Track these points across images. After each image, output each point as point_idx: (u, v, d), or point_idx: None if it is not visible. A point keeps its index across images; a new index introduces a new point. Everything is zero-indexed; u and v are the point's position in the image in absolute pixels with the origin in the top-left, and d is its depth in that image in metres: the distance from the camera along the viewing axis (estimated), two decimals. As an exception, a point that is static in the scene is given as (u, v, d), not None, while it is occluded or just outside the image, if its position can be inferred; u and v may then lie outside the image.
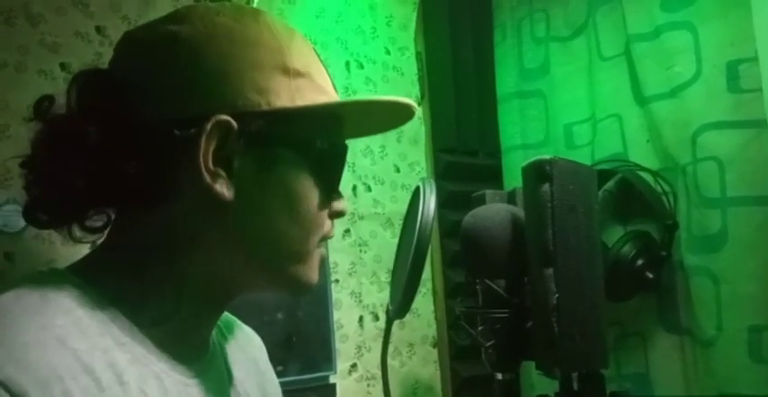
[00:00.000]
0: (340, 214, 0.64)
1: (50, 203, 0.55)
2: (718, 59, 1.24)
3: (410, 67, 1.74)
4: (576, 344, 0.82)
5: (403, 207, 1.59)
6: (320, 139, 0.58)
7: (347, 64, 1.60)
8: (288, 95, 0.56)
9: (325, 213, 0.62)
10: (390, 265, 1.58)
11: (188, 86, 0.54)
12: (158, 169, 0.53)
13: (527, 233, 0.86)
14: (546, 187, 0.82)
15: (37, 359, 0.46)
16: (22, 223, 1.10)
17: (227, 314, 0.73)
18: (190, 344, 0.60)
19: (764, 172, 1.17)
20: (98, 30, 1.22)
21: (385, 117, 0.66)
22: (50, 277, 0.53)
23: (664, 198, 1.31)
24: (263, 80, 0.55)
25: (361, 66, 1.62)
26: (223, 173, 0.54)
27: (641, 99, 1.39)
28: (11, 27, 1.12)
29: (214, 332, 0.67)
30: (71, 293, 0.51)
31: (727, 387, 1.18)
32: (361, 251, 1.57)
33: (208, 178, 0.53)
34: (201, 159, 0.53)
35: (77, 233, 0.56)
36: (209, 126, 0.52)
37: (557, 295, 0.80)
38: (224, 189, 0.54)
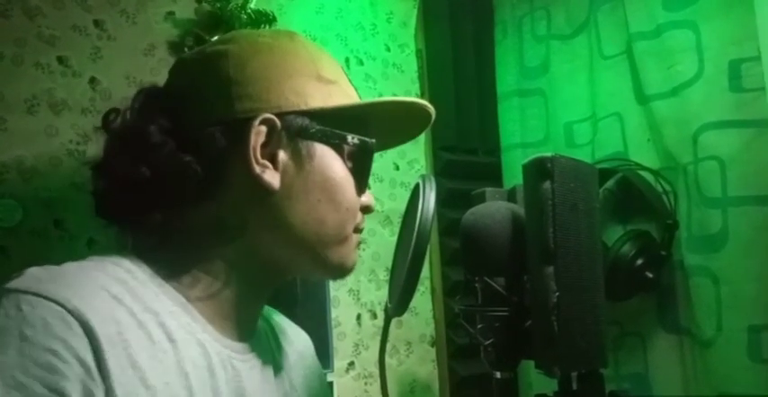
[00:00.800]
0: (368, 208, 0.73)
1: (120, 198, 0.62)
2: (720, 58, 1.24)
3: (410, 65, 1.73)
4: (576, 343, 0.81)
5: (402, 204, 1.59)
6: (350, 135, 0.67)
7: (347, 60, 1.59)
8: (321, 98, 0.65)
9: (358, 204, 0.70)
10: (388, 263, 1.58)
11: (237, 92, 0.62)
12: (213, 163, 0.61)
13: (527, 230, 0.85)
14: (547, 184, 0.81)
15: (99, 302, 0.53)
16: (18, 217, 1.09)
17: (275, 311, 0.84)
18: (234, 322, 0.66)
19: (766, 171, 1.17)
20: (96, 23, 1.21)
21: (406, 121, 0.75)
22: (110, 255, 0.60)
23: (664, 197, 1.30)
24: (301, 85, 0.64)
25: (361, 63, 1.61)
26: (270, 165, 0.63)
27: (642, 98, 1.38)
28: (7, 19, 1.11)
29: (263, 323, 0.75)
30: (127, 267, 0.59)
31: (727, 387, 1.17)
32: (359, 248, 1.56)
33: (257, 169, 0.61)
34: (252, 152, 0.61)
35: (141, 226, 0.63)
36: (256, 123, 0.61)
37: (557, 294, 0.79)
38: (272, 178, 0.62)
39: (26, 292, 0.51)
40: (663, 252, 1.27)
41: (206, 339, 0.62)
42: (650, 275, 1.26)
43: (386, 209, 1.62)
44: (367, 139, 0.68)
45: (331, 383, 1.45)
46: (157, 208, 0.63)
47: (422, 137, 1.71)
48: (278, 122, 0.62)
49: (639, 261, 1.26)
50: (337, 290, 1.50)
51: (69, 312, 0.50)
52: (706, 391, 1.22)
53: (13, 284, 0.52)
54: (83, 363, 0.49)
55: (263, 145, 0.62)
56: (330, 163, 0.66)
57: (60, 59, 1.16)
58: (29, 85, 1.12)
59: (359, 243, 0.73)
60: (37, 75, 1.13)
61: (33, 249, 1.10)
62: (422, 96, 1.73)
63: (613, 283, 1.15)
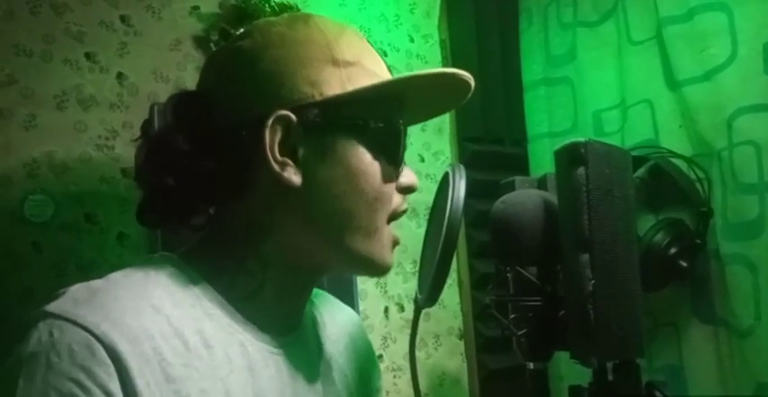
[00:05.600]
0: (409, 188, 0.69)
1: (153, 204, 0.63)
2: (754, 41, 1.20)
3: (434, 55, 1.72)
4: (613, 332, 0.80)
5: (428, 196, 1.57)
6: (373, 120, 0.64)
7: (373, 52, 1.58)
8: (339, 84, 0.62)
9: (392, 188, 0.66)
10: (415, 255, 1.57)
11: (250, 91, 0.62)
12: (235, 166, 0.61)
13: (561, 218, 0.83)
14: (581, 170, 0.79)
15: (131, 321, 0.53)
16: (50, 212, 1.10)
17: (327, 295, 0.83)
18: (276, 318, 0.66)
19: (805, 155, 1.13)
20: (122, 19, 1.22)
21: (440, 94, 0.70)
22: (156, 260, 0.61)
23: (697, 184, 1.27)
24: (314, 74, 0.61)
25: (385, 54, 1.60)
26: (290, 162, 0.61)
27: (673, 83, 1.35)
28: (36, 16, 1.12)
29: (311, 310, 0.75)
30: (170, 272, 0.60)
31: (766, 378, 1.14)
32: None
33: (277, 167, 0.60)
34: (269, 151, 0.60)
35: (183, 230, 0.65)
36: (270, 121, 0.59)
37: (593, 282, 0.77)
38: (292, 175, 0.61)
39: (59, 317, 0.52)
40: (697, 241, 1.25)
41: (247, 339, 0.62)
42: (684, 264, 1.24)
43: (412, 201, 1.59)
44: (393, 121, 0.65)
45: (360, 376, 1.45)
46: (191, 213, 0.65)
47: (447, 129, 1.70)
48: (293, 117, 0.60)
49: (673, 250, 1.23)
50: (365, 283, 1.50)
51: (96, 337, 0.51)
52: (743, 382, 1.19)
53: (51, 307, 0.53)
54: (105, 390, 0.49)
55: (282, 142, 0.61)
56: (352, 152, 0.63)
57: (88, 55, 1.17)
58: (58, 81, 1.13)
59: (396, 243, 0.70)
60: (66, 72, 1.14)
61: (65, 243, 1.11)
62: (446, 87, 1.71)
63: (646, 273, 1.12)
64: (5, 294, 1.01)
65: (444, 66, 1.72)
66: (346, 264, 0.68)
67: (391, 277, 1.55)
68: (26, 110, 1.10)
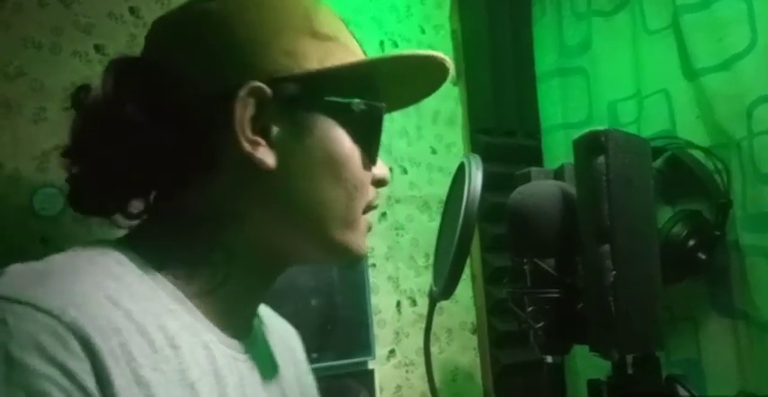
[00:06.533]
0: (381, 182, 0.63)
1: (97, 185, 0.55)
2: (775, 28, 1.18)
3: (445, 46, 1.69)
4: (633, 324, 0.78)
5: (440, 189, 1.57)
6: (354, 101, 0.57)
7: (381, 43, 1.56)
8: (317, 58, 0.56)
9: (369, 178, 0.61)
10: (427, 249, 1.56)
11: (220, 58, 0.54)
12: (197, 141, 0.53)
13: (580, 208, 0.82)
14: (601, 159, 0.77)
15: (95, 310, 0.45)
16: (59, 206, 1.09)
17: (262, 305, 0.72)
18: (236, 319, 0.59)
19: (827, 144, 1.11)
20: (131, 10, 1.20)
21: (419, 78, 0.64)
22: (98, 245, 0.53)
23: (716, 175, 1.25)
24: (292, 43, 0.55)
25: (396, 45, 1.58)
26: (263, 141, 0.54)
27: (690, 72, 1.32)
28: (44, 8, 1.11)
29: (255, 319, 0.66)
30: (118, 259, 0.52)
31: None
32: (397, 234, 1.54)
33: (248, 146, 0.53)
34: (238, 127, 0.53)
35: (120, 219, 0.57)
36: (242, 93, 0.53)
37: (613, 273, 0.76)
38: (265, 156, 0.54)
39: (10, 300, 0.43)
40: (716, 232, 1.22)
41: (211, 340, 0.54)
42: (703, 256, 1.21)
43: (424, 194, 1.59)
44: (374, 103, 0.59)
45: (372, 372, 1.44)
46: (138, 195, 0.57)
47: (459, 120, 1.68)
48: (267, 91, 0.53)
49: (692, 242, 1.21)
50: (376, 277, 1.48)
51: (66, 326, 0.42)
52: (764, 375, 1.17)
53: None
54: (84, 390, 0.42)
55: (254, 119, 0.54)
56: (333, 134, 0.57)
57: (97, 47, 1.16)
58: (68, 74, 1.12)
59: (369, 228, 0.63)
60: (75, 64, 1.13)
61: (75, 237, 1.10)
62: (458, 78, 1.69)
63: (664, 265, 1.11)
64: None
65: (456, 56, 1.70)
66: (321, 255, 0.62)
67: (403, 271, 1.53)
68: (35, 104, 1.09)
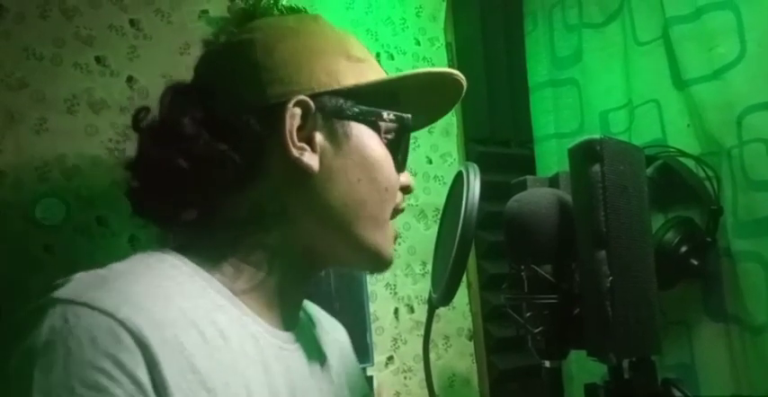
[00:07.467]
0: (407, 188, 0.72)
1: (161, 194, 0.62)
2: (763, 38, 1.20)
3: (440, 58, 1.72)
4: (631, 328, 0.80)
5: (436, 198, 1.59)
6: (386, 112, 0.66)
7: (378, 55, 1.58)
8: (353, 76, 0.64)
9: (398, 182, 0.69)
10: (424, 257, 1.57)
11: (267, 77, 0.62)
12: (249, 150, 0.60)
13: (576, 215, 0.83)
14: (596, 167, 0.79)
15: (150, 306, 0.50)
16: (62, 215, 1.10)
17: (311, 303, 0.83)
18: (281, 312, 0.66)
19: (816, 152, 1.13)
20: (132, 23, 1.22)
21: (436, 96, 0.75)
22: (152, 254, 0.59)
23: (706, 183, 1.28)
24: (331, 64, 0.64)
25: (392, 58, 1.61)
26: (307, 147, 0.62)
27: (681, 83, 1.35)
28: (45, 20, 1.12)
29: (302, 314, 0.74)
30: (172, 263, 0.58)
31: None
32: (395, 243, 1.55)
33: (295, 152, 0.61)
34: (288, 135, 0.60)
35: (179, 221, 0.63)
36: (290, 105, 0.60)
37: (610, 278, 0.77)
38: (311, 160, 0.62)
39: (72, 302, 0.48)
40: (708, 239, 1.25)
41: (258, 332, 0.61)
42: (695, 262, 1.24)
43: (420, 203, 1.61)
44: (402, 114, 0.68)
45: (371, 378, 1.45)
46: (195, 201, 0.63)
47: (454, 130, 1.70)
48: (312, 104, 0.62)
49: (684, 248, 1.24)
50: (374, 285, 1.50)
51: (119, 322, 0.47)
52: (757, 379, 1.19)
53: (60, 293, 0.49)
54: (134, 380, 0.46)
55: (299, 128, 0.62)
56: (368, 141, 0.65)
57: (98, 59, 1.17)
58: (69, 85, 1.13)
59: (396, 237, 0.71)
60: (76, 75, 1.14)
61: (77, 246, 1.11)
62: (453, 89, 1.71)
63: (657, 271, 1.13)
64: (18, 297, 1.00)
65: (450, 68, 1.72)
66: (353, 254, 0.68)
67: (401, 278, 1.55)
68: (37, 114, 1.10)
